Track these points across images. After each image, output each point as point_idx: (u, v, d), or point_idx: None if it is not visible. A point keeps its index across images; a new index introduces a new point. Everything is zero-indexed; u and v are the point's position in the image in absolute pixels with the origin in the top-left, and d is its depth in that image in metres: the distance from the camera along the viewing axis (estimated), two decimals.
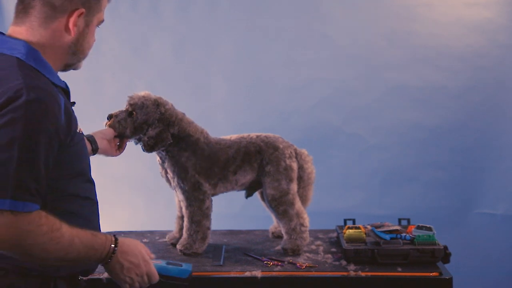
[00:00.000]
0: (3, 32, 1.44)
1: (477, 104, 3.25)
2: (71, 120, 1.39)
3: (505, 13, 3.21)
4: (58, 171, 1.36)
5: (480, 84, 3.25)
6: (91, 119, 3.41)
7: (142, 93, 2.08)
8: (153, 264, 1.50)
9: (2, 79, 1.30)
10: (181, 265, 1.61)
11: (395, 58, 3.31)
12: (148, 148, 2.04)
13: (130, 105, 2.05)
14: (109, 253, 1.40)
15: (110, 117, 2.05)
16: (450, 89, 3.28)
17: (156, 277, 1.51)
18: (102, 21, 1.51)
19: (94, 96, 3.50)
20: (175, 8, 3.43)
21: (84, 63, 3.26)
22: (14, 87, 1.27)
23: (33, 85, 1.29)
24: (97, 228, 1.53)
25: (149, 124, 2.03)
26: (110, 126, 2.03)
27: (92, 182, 1.54)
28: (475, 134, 3.26)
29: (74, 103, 1.53)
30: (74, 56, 1.47)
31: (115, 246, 1.41)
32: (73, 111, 1.44)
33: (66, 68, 1.51)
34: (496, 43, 3.22)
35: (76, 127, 1.43)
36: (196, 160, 2.09)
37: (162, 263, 1.57)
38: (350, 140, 3.36)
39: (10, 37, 1.40)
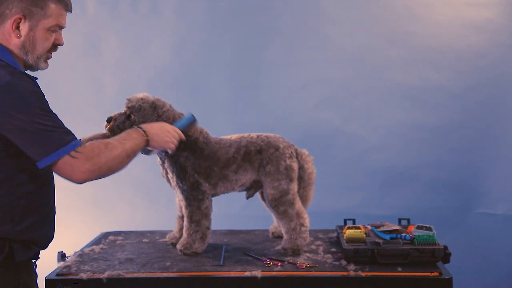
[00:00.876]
0: None
1: (477, 104, 3.26)
2: None
3: (505, 13, 3.21)
4: None
5: (480, 84, 3.25)
6: (91, 118, 3.43)
7: (140, 95, 2.08)
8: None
9: None
10: (183, 115, 2.09)
11: (395, 58, 3.31)
12: (145, 150, 2.05)
13: (128, 108, 2.05)
14: (146, 138, 1.82)
15: (109, 120, 2.05)
16: (450, 89, 3.28)
17: (177, 130, 1.97)
18: (57, 25, 1.72)
19: (94, 96, 3.50)
20: (175, 8, 3.43)
21: (84, 63, 3.36)
22: (4, 80, 1.56)
23: (15, 72, 1.61)
24: (51, 180, 1.77)
25: None
26: (109, 130, 2.04)
27: None
28: (475, 134, 3.26)
29: None
30: (27, 56, 1.70)
31: (145, 132, 1.83)
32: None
33: (28, 67, 1.74)
34: (496, 43, 3.22)
35: None
36: (195, 160, 2.09)
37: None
38: (350, 140, 3.36)
39: None
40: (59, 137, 1.59)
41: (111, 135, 2.03)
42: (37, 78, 1.68)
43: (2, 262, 1.62)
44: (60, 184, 1.76)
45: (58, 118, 1.63)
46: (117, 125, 2.03)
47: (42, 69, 1.75)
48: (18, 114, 1.54)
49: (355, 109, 3.35)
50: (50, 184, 1.74)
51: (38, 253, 1.77)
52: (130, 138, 1.77)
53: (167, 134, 1.91)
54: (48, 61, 1.77)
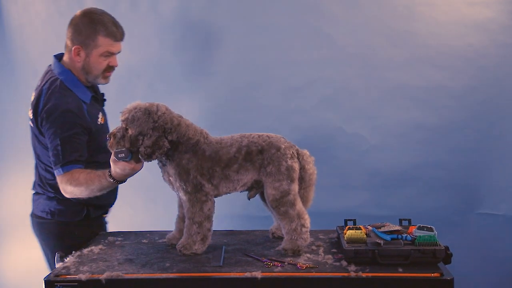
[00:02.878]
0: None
1: (478, 104, 3.24)
2: (92, 119, 2.38)
3: (506, 13, 3.20)
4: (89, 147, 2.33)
5: (481, 84, 3.24)
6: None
7: (133, 104, 2.08)
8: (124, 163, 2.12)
9: (49, 93, 2.30)
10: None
11: (395, 57, 3.29)
12: (146, 157, 2.05)
13: (122, 121, 2.06)
14: (113, 182, 2.17)
15: (110, 137, 2.07)
16: (450, 89, 3.26)
17: (134, 166, 2.13)
18: (107, 52, 2.35)
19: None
20: (175, 8, 3.42)
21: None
22: (53, 103, 2.27)
23: (65, 102, 2.28)
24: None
25: (144, 135, 2.03)
26: (110, 147, 2.08)
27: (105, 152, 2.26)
28: (476, 134, 3.25)
29: (105, 100, 2.58)
30: (87, 75, 2.38)
31: (113, 178, 2.16)
32: (93, 113, 2.41)
33: (90, 83, 2.43)
34: (497, 42, 3.21)
35: (96, 123, 2.40)
36: (197, 161, 2.09)
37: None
38: (350, 140, 3.35)
39: (60, 63, 2.41)
40: (63, 160, 2.21)
41: (112, 151, 2.08)
42: (99, 96, 2.53)
43: (84, 218, 2.40)
44: None
45: (77, 139, 2.25)
46: (117, 141, 2.05)
47: (103, 84, 2.47)
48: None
49: (355, 109, 3.34)
50: (107, 163, 2.14)
51: (107, 211, 2.58)
52: (99, 183, 2.18)
53: (127, 172, 2.12)
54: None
